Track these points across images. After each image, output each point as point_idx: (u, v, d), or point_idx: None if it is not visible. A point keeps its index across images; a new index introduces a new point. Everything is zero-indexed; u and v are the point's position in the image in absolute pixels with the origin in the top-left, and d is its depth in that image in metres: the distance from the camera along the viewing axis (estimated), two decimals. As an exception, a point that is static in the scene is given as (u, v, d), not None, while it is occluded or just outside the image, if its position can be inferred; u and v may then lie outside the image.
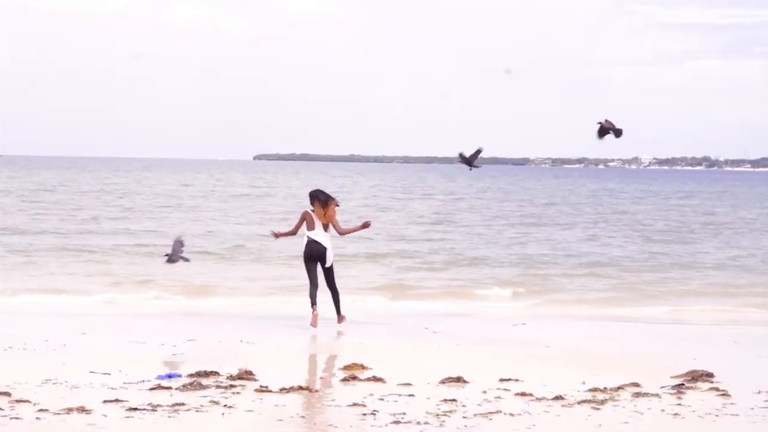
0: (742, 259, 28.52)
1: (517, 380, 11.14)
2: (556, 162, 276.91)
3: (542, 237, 35.00)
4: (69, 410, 9.33)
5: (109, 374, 11.07)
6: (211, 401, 9.86)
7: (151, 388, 10.39)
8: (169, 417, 9.25)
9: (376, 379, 11.12)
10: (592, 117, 13.17)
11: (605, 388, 10.74)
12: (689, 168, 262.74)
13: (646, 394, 10.55)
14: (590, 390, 10.69)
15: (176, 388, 10.36)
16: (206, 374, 11.05)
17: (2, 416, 9.11)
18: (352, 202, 53.25)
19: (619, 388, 10.81)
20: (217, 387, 10.50)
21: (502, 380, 11.11)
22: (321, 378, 11.90)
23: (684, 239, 35.37)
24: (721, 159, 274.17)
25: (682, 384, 11.12)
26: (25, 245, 27.40)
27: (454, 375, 11.20)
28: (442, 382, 11.03)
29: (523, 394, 10.40)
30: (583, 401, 10.19)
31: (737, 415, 9.84)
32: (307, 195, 15.52)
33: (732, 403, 10.29)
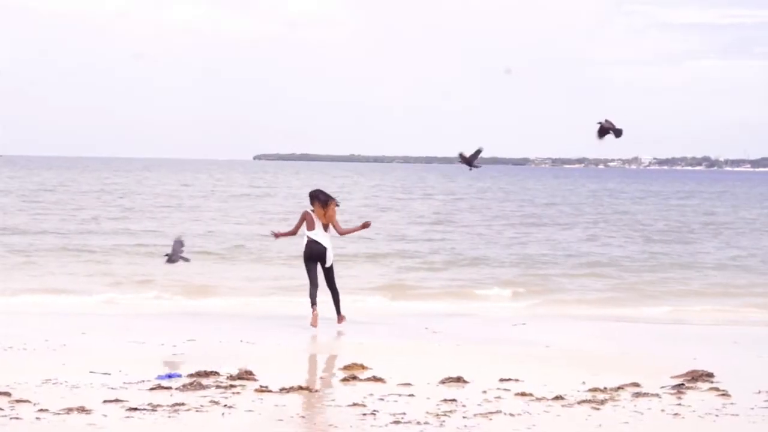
0: (742, 259, 28.51)
1: (517, 380, 11.14)
2: (556, 162, 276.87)
3: (542, 237, 34.99)
4: (69, 410, 9.33)
5: (109, 374, 11.07)
6: (211, 401, 9.86)
7: (151, 388, 10.39)
8: (169, 417, 9.25)
9: (376, 379, 11.12)
10: (592, 117, 13.17)
11: (605, 388, 10.73)
12: (689, 168, 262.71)
13: (646, 394, 10.55)
14: (590, 390, 10.68)
15: (176, 388, 10.36)
16: (206, 374, 11.05)
17: (2, 416, 9.11)
18: (352, 202, 53.24)
19: (619, 388, 10.81)
20: (217, 387, 10.49)
21: (502, 380, 11.11)
22: (321, 378, 11.89)
23: (684, 239, 35.36)
24: (721, 159, 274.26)
25: (682, 384, 11.12)
26: (26, 245, 27.40)
27: (454, 375, 11.19)
28: (442, 382, 11.03)
29: (523, 394, 10.40)
30: (583, 401, 10.18)
31: (737, 415, 9.83)
32: (307, 195, 15.51)
33: (732, 403, 10.29)
